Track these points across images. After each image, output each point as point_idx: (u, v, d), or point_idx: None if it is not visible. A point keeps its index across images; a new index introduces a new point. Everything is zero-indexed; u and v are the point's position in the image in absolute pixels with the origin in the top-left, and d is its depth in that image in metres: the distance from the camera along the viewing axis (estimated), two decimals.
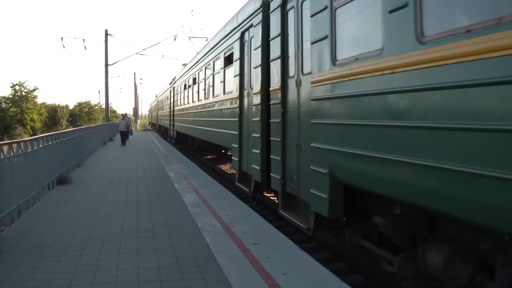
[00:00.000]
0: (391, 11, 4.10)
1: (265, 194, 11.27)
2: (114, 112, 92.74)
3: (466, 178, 3.21)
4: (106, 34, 33.14)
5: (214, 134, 13.26)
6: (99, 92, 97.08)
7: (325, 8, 5.46)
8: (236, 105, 10.26)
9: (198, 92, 17.32)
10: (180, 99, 24.29)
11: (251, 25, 9.18)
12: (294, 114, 6.81)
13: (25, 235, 6.14)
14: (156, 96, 60.06)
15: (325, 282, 4.45)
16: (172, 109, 29.25)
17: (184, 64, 27.99)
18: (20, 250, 5.45)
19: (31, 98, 76.69)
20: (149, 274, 4.62)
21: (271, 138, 7.85)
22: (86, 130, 18.74)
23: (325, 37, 5.48)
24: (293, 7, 6.89)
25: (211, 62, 13.94)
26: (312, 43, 5.91)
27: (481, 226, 3.43)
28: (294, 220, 6.77)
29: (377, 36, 4.36)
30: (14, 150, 7.51)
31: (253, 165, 8.90)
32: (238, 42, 10.29)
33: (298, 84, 6.62)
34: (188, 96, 20.64)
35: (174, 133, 27.99)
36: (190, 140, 22.66)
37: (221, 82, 12.28)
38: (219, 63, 12.60)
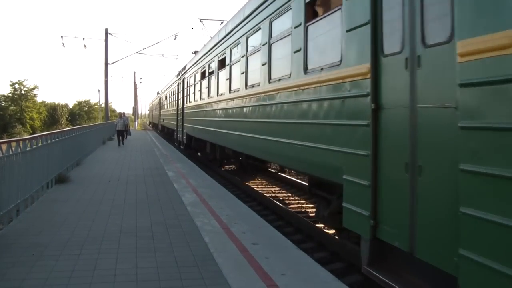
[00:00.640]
0: None
1: (265, 195, 11.26)
2: (113, 111, 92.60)
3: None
4: (106, 33, 33.17)
5: (288, 150, 7.22)
6: (98, 91, 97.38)
7: None
8: (362, 91, 4.93)
9: (232, 79, 11.49)
10: (196, 92, 18.21)
11: None
12: (400, 114, 4.25)
13: (24, 234, 6.13)
14: (158, 93, 56.35)
15: (323, 283, 4.44)
16: (180, 106, 23.10)
17: (195, 52, 21.93)
18: (18, 249, 5.44)
19: (30, 96, 76.75)
20: (148, 274, 4.61)
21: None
22: (86, 129, 18.72)
23: None
24: None
25: (274, 23, 8.15)
26: None
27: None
28: None
29: None
30: (13, 148, 7.50)
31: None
32: None
33: (414, 62, 4.06)
34: (210, 87, 14.73)
35: (184, 137, 21.23)
36: (209, 148, 16.08)
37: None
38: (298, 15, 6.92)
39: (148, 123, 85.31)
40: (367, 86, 4.75)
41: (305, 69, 6.60)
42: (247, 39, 10.03)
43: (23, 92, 75.87)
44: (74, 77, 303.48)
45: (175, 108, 26.00)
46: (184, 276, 4.56)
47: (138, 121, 79.60)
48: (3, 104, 73.11)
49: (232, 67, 11.57)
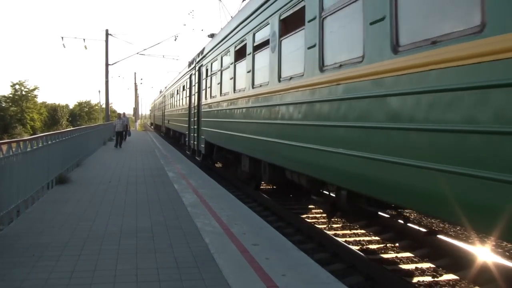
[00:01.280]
0: None
1: (264, 194, 11.24)
2: (114, 112, 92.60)
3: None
4: (107, 34, 33.19)
5: None
6: (99, 92, 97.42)
7: None
8: None
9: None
10: (222, 83, 12.70)
11: None
12: None
13: (24, 235, 6.13)
14: (161, 91, 51.24)
15: (324, 284, 4.44)
16: (194, 104, 17.63)
17: (212, 35, 16.43)
18: (19, 249, 5.44)
19: (31, 97, 76.81)
20: (148, 274, 4.60)
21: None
22: (86, 129, 18.72)
23: None
24: None
25: None
26: None
27: None
28: None
29: None
30: (14, 149, 7.51)
31: None
32: None
33: None
34: (254, 71, 9.49)
35: (202, 145, 15.37)
36: (247, 164, 10.75)
37: None
38: None
39: (149, 125, 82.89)
40: None
41: None
42: None
43: (23, 92, 75.95)
44: (75, 78, 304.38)
45: (186, 106, 20.80)
46: (184, 277, 4.55)
47: (138, 121, 79.59)
48: (3, 105, 73.17)
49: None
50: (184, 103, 22.52)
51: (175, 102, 28.11)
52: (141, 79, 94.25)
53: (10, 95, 74.89)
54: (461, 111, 3.68)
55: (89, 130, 19.52)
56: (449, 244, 6.79)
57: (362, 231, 8.40)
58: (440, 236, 7.06)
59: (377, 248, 7.31)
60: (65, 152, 12.17)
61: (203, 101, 15.75)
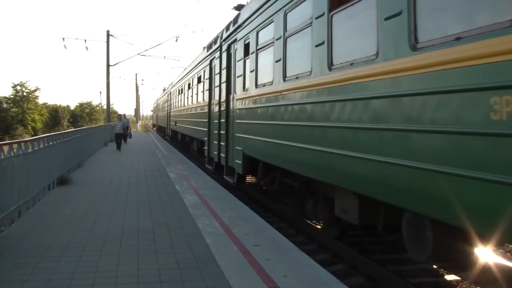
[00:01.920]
0: None
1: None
2: (115, 112, 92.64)
3: None
4: (108, 35, 33.19)
5: None
6: (100, 92, 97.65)
7: None
8: None
9: None
10: (288, 60, 7.25)
11: None
12: None
13: (25, 236, 6.13)
14: (164, 89, 45.98)
15: (325, 284, 4.43)
16: (221, 100, 12.47)
17: (240, 7, 11.58)
18: (20, 250, 5.44)
19: (32, 98, 76.78)
20: (149, 275, 4.60)
21: None
22: (87, 130, 18.74)
23: None
24: None
25: None
26: None
27: None
28: None
29: None
30: (15, 150, 7.51)
31: None
32: None
33: None
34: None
35: (239, 160, 10.15)
36: (357, 207, 5.63)
37: None
38: None
39: (151, 126, 79.48)
40: None
41: None
42: None
43: (24, 94, 75.92)
44: (76, 78, 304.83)
45: (203, 103, 15.99)
46: (185, 277, 4.55)
47: (140, 122, 79.56)
48: (5, 106, 73.16)
49: None
50: (199, 99, 17.36)
51: (186, 99, 22.36)
52: (142, 80, 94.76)
53: (11, 96, 74.89)
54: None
55: (90, 131, 19.54)
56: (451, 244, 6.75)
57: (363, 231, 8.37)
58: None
59: (378, 248, 7.29)
60: (66, 153, 12.17)
61: (238, 94, 10.57)
